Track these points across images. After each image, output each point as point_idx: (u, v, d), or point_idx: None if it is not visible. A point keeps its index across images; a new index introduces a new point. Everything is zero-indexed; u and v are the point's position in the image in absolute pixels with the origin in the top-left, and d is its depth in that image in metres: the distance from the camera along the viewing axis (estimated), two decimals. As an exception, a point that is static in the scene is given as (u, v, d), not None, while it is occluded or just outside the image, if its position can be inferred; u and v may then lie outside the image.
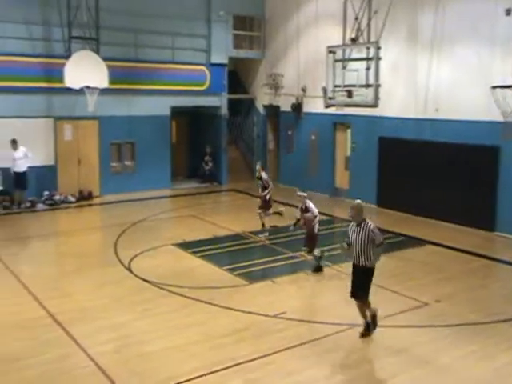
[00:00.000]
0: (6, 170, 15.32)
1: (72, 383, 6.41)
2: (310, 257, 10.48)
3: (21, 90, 15.56)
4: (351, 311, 7.69)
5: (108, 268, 10.49)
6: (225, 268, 10.35)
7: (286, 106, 19.05)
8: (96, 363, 6.77)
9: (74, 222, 14.79)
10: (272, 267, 10.62)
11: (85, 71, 15.00)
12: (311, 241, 10.24)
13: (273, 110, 20.00)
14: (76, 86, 15.05)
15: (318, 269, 10.18)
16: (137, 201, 16.58)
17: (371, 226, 7.23)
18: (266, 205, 12.96)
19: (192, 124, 20.94)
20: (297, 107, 18.50)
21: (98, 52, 15.74)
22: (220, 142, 19.98)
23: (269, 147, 20.70)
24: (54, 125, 16.47)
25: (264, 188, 12.89)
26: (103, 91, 15.43)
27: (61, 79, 15.04)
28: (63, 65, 15.06)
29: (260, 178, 13.04)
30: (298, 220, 10.58)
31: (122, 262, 10.72)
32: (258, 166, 13.43)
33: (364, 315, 7.52)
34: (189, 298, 8.91)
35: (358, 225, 7.28)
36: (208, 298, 8.87)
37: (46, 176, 16.18)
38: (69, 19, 15.73)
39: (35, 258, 11.48)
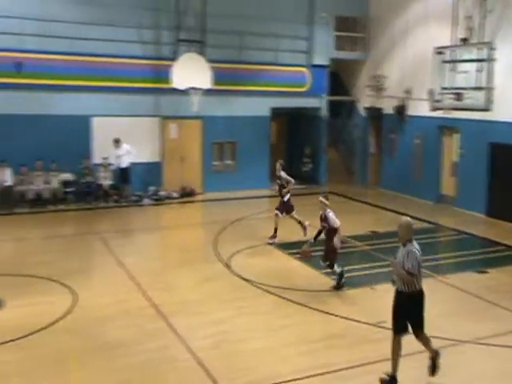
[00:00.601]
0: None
1: (172, 374, 6.60)
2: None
3: (131, 91, 16.44)
4: (457, 326, 7.26)
5: (208, 264, 10.76)
6: (322, 271, 10.23)
7: (389, 108, 18.51)
8: (195, 356, 6.94)
9: (176, 218, 15.37)
10: (372, 274, 10.33)
11: (190, 73, 15.52)
12: (330, 255, 9.27)
13: (375, 113, 19.52)
14: (182, 86, 15.62)
15: (337, 286, 9.35)
16: (236, 199, 16.88)
17: (411, 248, 6.23)
18: (283, 206, 12.10)
19: (291, 125, 20.98)
20: (400, 110, 17.90)
21: (203, 54, 16.25)
22: (320, 144, 19.84)
23: (370, 150, 20.23)
24: (161, 123, 17.24)
25: (282, 187, 12.19)
26: (207, 92, 15.90)
27: (168, 80, 15.67)
28: (170, 66, 15.70)
29: (279, 178, 12.27)
30: (319, 232, 9.45)
31: (221, 259, 10.95)
32: (278, 165, 12.48)
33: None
34: (285, 299, 8.89)
35: (403, 245, 6.35)
36: (305, 300, 8.80)
37: (151, 172, 16.99)
38: (177, 23, 16.40)
39: (141, 250, 12.04)
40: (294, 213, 12.17)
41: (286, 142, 21.11)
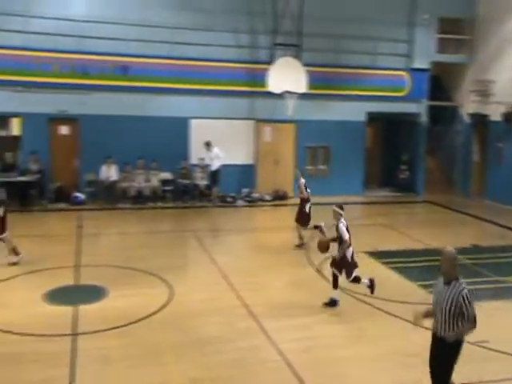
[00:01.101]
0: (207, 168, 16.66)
1: (262, 374, 6.57)
2: None
3: (227, 94, 16.79)
4: None
5: (299, 268, 10.65)
6: (418, 283, 9.75)
7: (496, 115, 17.42)
8: (285, 358, 6.86)
9: (268, 220, 15.46)
10: (474, 290, 9.64)
11: (286, 76, 15.57)
12: (339, 266, 8.52)
13: (480, 119, 18.46)
14: (277, 90, 15.69)
15: (330, 303, 8.59)
16: (329, 205, 16.54)
17: (464, 291, 5.22)
18: (301, 217, 11.65)
19: (388, 130, 20.39)
20: (509, 117, 16.79)
21: (299, 58, 16.22)
22: (417, 151, 19.11)
23: (473, 159, 19.16)
24: (255, 126, 17.42)
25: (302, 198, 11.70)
26: (302, 96, 15.85)
27: (263, 84, 15.81)
28: (266, 70, 15.82)
29: (298, 186, 11.83)
30: (333, 239, 8.73)
31: (312, 263, 10.79)
32: (297, 172, 12.27)
33: None
34: (379, 309, 8.57)
35: (447, 283, 5.33)
36: (400, 312, 8.40)
37: (245, 174, 17.23)
38: (273, 27, 16.51)
39: (233, 249, 12.21)
40: (307, 227, 11.64)
41: (382, 148, 20.56)
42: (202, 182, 16.56)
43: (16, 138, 15.51)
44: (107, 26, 15.44)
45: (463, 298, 5.20)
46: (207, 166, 16.50)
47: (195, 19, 16.24)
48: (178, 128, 16.48)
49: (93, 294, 8.80)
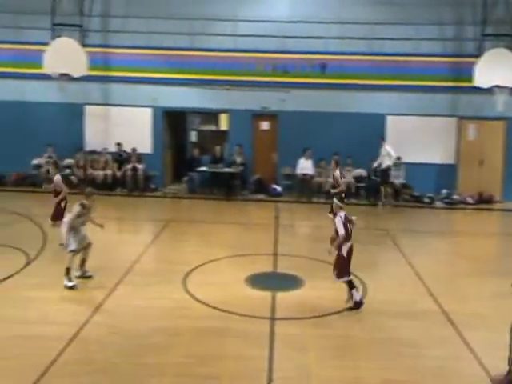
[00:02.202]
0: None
1: (463, 388, 6.18)
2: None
3: (426, 89, 16.04)
4: None
5: (503, 279, 9.71)
6: None
7: None
8: (489, 375, 6.33)
9: (470, 225, 14.50)
10: None
11: (496, 70, 14.37)
12: (336, 264, 8.10)
13: None
14: (485, 84, 14.54)
15: (351, 307, 8.03)
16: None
17: None
18: None
19: None
20: None
21: (514, 48, 14.80)
22: None
23: None
24: (458, 124, 16.36)
25: (333, 187, 11.70)
26: (516, 90, 14.44)
27: (468, 78, 14.79)
28: (473, 64, 14.75)
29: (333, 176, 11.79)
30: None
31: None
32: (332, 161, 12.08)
33: None
34: None
35: None
36: None
37: (444, 174, 16.30)
38: (483, 17, 15.29)
39: (429, 252, 11.62)
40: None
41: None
42: (397, 180, 16.09)
43: (224, 133, 16.90)
44: (307, 26, 15.91)
45: None
46: (402, 164, 15.94)
47: (393, 13, 15.81)
48: (374, 124, 16.25)
49: (290, 282, 9.18)
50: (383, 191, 15.85)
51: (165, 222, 12.97)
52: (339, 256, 8.06)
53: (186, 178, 16.26)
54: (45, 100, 16.51)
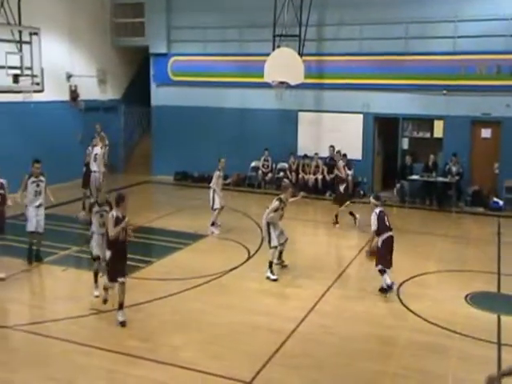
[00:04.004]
0: None
1: None
2: None
3: None
4: None
5: None
6: None
7: None
8: None
9: None
10: None
11: None
12: (373, 254, 8.74)
13: None
14: None
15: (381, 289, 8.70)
16: None
17: None
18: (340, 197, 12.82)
19: None
20: None
21: None
22: None
23: None
24: None
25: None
26: None
27: None
28: None
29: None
30: None
31: None
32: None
33: None
34: None
35: None
36: None
37: None
38: None
39: None
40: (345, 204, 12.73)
41: None
42: None
43: (438, 140, 16.04)
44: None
45: None
46: None
47: None
48: None
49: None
50: None
51: (374, 229, 12.77)
52: (376, 247, 8.65)
53: (396, 186, 15.82)
54: (262, 107, 17.63)
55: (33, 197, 9.59)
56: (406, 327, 7.65)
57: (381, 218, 8.62)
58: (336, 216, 12.90)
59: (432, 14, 15.52)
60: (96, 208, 8.32)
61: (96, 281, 8.40)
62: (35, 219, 9.66)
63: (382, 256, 8.58)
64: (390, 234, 8.65)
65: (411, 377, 6.36)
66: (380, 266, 8.59)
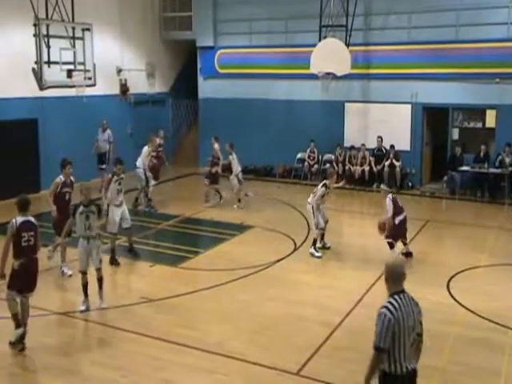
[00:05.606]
0: None
1: None
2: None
3: None
4: None
5: None
6: None
7: None
8: None
9: None
10: None
11: None
12: (387, 228, 9.68)
13: None
14: None
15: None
16: None
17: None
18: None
19: None
20: None
21: None
22: None
23: None
24: None
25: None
26: None
27: None
28: None
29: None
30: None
31: None
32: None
33: None
34: None
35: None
36: None
37: None
38: None
39: None
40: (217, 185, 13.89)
41: None
42: None
43: (490, 130, 15.52)
44: None
45: None
46: None
47: None
48: None
49: None
50: None
51: (423, 221, 12.53)
52: (391, 224, 9.58)
53: (446, 178, 15.42)
54: (309, 98, 17.50)
55: (115, 195, 9.81)
56: (456, 321, 7.49)
57: (395, 201, 9.76)
58: None
59: (485, 1, 14.98)
60: (81, 209, 7.76)
61: (86, 295, 7.82)
62: (118, 219, 9.71)
63: (396, 233, 9.75)
64: (404, 214, 9.84)
65: (462, 372, 6.23)
66: (390, 240, 9.71)
